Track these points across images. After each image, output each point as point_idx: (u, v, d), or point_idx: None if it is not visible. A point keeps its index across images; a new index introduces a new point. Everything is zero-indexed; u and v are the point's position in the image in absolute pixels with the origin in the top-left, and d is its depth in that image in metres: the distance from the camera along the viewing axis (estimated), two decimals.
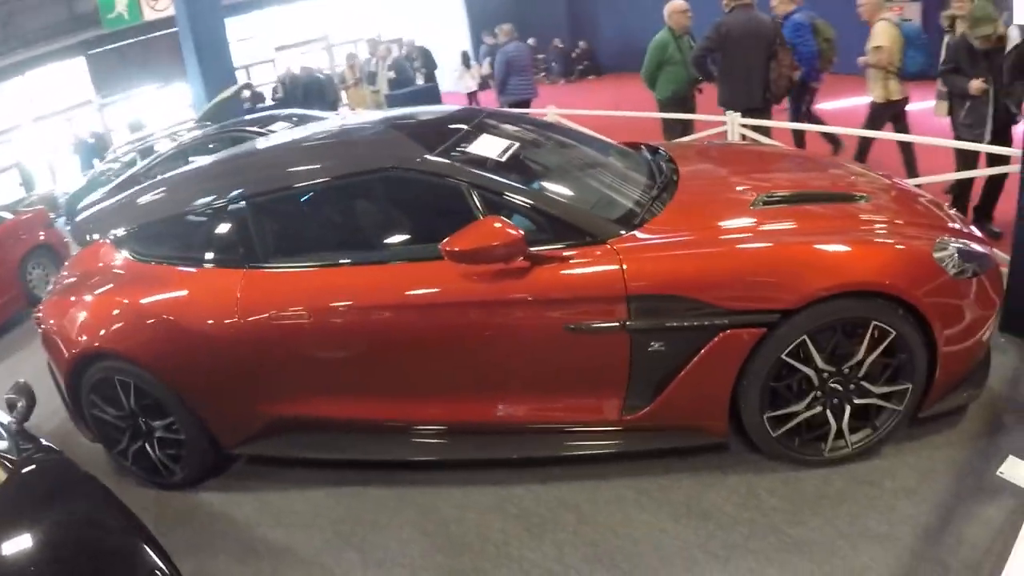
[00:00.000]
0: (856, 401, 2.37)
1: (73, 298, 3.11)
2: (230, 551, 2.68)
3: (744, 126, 4.86)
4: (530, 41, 10.21)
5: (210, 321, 2.73)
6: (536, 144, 3.10)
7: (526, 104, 8.38)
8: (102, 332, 2.92)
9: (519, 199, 2.47)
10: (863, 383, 2.34)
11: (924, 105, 6.08)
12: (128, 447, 3.11)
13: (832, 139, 5.95)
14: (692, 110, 5.88)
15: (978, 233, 2.61)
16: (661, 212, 2.54)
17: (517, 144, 2.84)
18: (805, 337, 2.24)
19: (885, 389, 2.36)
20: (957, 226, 2.55)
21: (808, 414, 2.37)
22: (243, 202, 2.78)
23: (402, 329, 2.53)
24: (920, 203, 2.73)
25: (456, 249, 2.29)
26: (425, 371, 2.60)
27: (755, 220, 2.44)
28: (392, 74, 9.54)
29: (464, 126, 2.89)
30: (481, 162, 2.61)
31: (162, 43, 16.71)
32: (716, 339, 2.25)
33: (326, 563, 2.50)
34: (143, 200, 3.27)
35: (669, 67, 5.64)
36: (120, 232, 3.14)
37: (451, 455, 2.68)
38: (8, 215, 6.73)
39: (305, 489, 2.91)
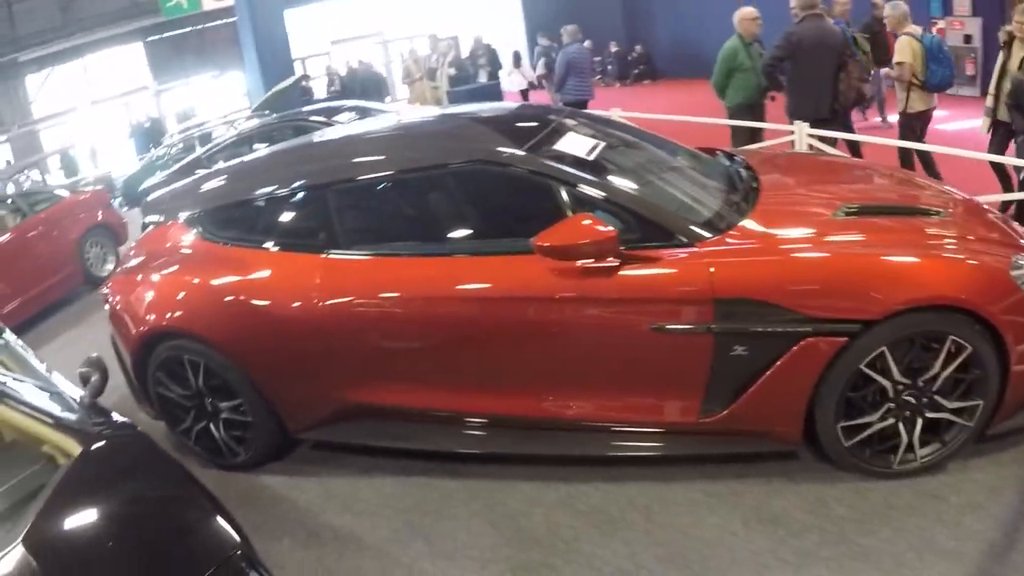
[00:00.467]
0: (928, 415, 2.34)
1: (143, 276, 3.17)
2: (294, 535, 2.70)
3: (812, 136, 4.79)
4: (587, 43, 10.18)
5: (287, 304, 2.75)
6: (616, 145, 3.08)
7: (583, 105, 8.40)
8: (173, 311, 2.98)
9: (610, 198, 2.48)
10: (936, 397, 2.32)
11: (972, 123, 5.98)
12: (192, 426, 3.16)
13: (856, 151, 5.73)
14: (761, 118, 5.80)
15: None
16: (746, 217, 2.54)
17: (602, 144, 2.84)
18: (885, 348, 2.24)
19: (957, 404, 2.33)
20: None
21: (881, 426, 2.36)
22: (327, 188, 2.80)
23: (485, 321, 2.54)
24: (992, 220, 2.72)
25: (549, 245, 2.32)
26: (504, 364, 2.61)
27: (839, 230, 2.46)
28: (453, 71, 9.63)
29: (548, 123, 2.89)
30: (570, 159, 2.62)
31: (219, 33, 17.14)
32: (798, 346, 2.24)
33: (393, 552, 2.49)
34: (216, 183, 3.32)
35: (739, 74, 5.58)
36: (192, 213, 3.18)
37: (526, 450, 2.69)
38: (67, 194, 6.93)
39: (372, 477, 2.92)
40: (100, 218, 6.90)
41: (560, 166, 2.55)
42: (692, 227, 2.42)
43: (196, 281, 2.98)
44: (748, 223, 2.50)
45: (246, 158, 3.63)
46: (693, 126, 5.95)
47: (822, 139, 4.84)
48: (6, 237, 6.03)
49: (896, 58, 5.22)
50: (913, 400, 2.31)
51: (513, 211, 2.73)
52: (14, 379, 2.57)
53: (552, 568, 2.28)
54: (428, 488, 2.78)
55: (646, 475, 2.59)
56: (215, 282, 2.93)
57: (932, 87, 5.20)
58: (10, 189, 8.42)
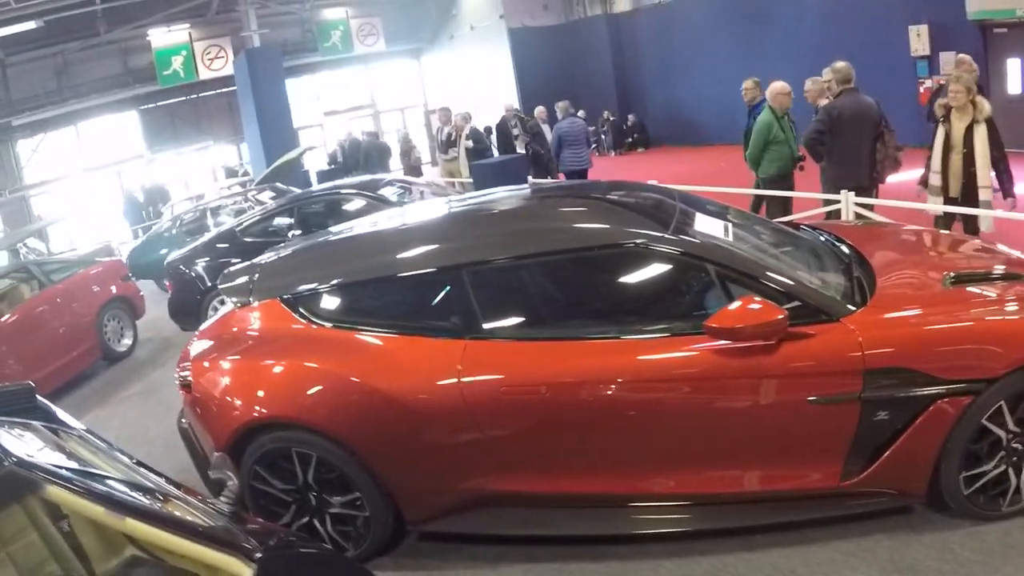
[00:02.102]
0: None
1: (234, 361, 2.98)
2: None
3: (857, 204, 4.94)
4: (580, 114, 10.47)
5: (422, 393, 2.62)
6: (735, 225, 3.12)
7: (583, 174, 8.67)
8: (280, 399, 2.80)
9: (761, 280, 2.54)
10: None
11: None
12: (291, 522, 2.93)
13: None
14: (792, 188, 5.97)
15: None
16: (876, 291, 2.67)
17: (729, 225, 2.92)
18: (1003, 402, 2.39)
19: None
20: None
21: (995, 472, 2.48)
22: (462, 270, 2.72)
23: (636, 402, 2.53)
24: None
25: (723, 326, 2.38)
26: (654, 444, 2.58)
27: (955, 297, 2.62)
28: (471, 143, 9.64)
29: (674, 204, 2.96)
30: (713, 240, 2.68)
31: (213, 102, 17.24)
32: (933, 406, 2.38)
33: None
34: (316, 262, 3.20)
35: (774, 147, 5.79)
36: (292, 294, 3.03)
37: (669, 527, 2.65)
38: (81, 268, 6.62)
39: (498, 568, 2.74)
40: (117, 290, 6.62)
41: (717, 246, 2.64)
42: (837, 302, 2.54)
43: (307, 367, 2.82)
44: (878, 296, 2.63)
45: (338, 235, 3.51)
46: (723, 195, 6.13)
47: (865, 207, 5.01)
48: (22, 308, 5.73)
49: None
50: (1021, 447, 2.47)
51: (668, 293, 2.75)
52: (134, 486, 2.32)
53: None
54: (564, 574, 2.62)
55: (781, 541, 2.61)
56: (334, 369, 2.78)
57: None
58: (3, 259, 8.07)
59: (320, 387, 2.77)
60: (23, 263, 6.58)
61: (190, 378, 3.06)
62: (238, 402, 2.87)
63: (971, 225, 4.67)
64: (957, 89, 4.42)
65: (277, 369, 2.88)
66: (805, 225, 3.61)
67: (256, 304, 3.11)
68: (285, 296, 3.03)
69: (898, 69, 10.36)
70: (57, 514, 2.01)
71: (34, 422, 2.45)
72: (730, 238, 2.82)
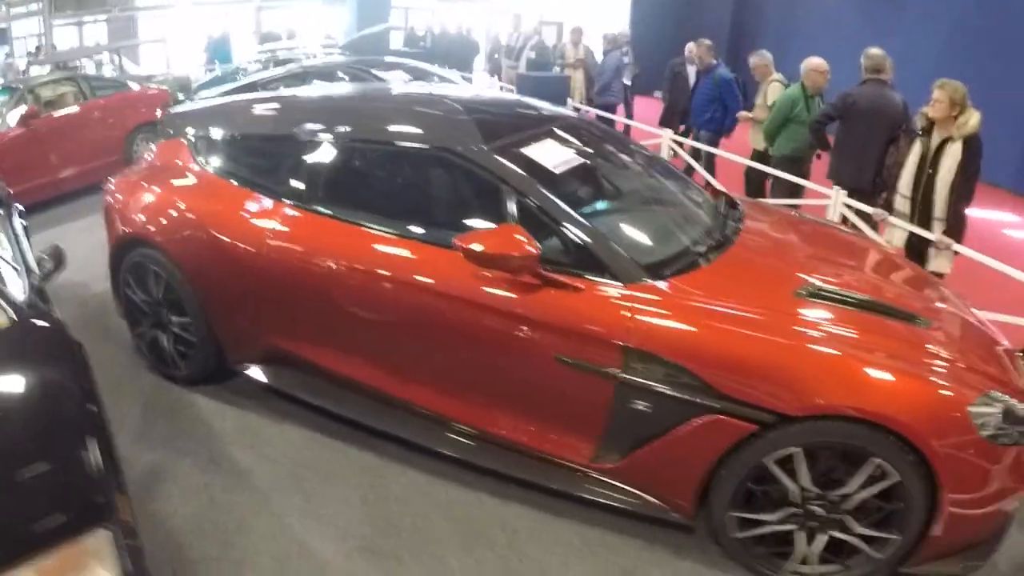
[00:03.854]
0: (834, 534, 2.16)
1: (139, 184, 3.34)
2: (196, 456, 2.83)
3: (847, 206, 4.55)
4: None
5: (244, 242, 2.85)
6: (605, 166, 3.01)
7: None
8: (151, 222, 3.14)
9: (553, 216, 2.40)
10: (847, 518, 2.14)
11: None
12: (146, 332, 3.33)
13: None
14: (806, 174, 5.59)
15: None
16: (697, 271, 2.40)
17: (581, 160, 2.77)
18: (798, 450, 2.07)
19: (870, 532, 2.14)
20: (1021, 385, 2.23)
21: (779, 528, 2.19)
22: (303, 141, 2.88)
23: (403, 305, 2.56)
24: (989, 349, 2.43)
25: (469, 247, 2.27)
26: (415, 352, 2.62)
27: (788, 310, 2.26)
28: (533, 54, 9.60)
29: (533, 126, 2.86)
30: (530, 166, 2.55)
31: None
32: (702, 419, 2.12)
33: (272, 499, 2.58)
34: (222, 112, 3.43)
35: (793, 125, 5.37)
36: (194, 135, 3.31)
37: (421, 440, 2.68)
38: (136, 87, 7.28)
39: (285, 424, 3.03)
40: (157, 115, 7.25)
41: (513, 169, 2.47)
42: (629, 266, 2.30)
43: (176, 201, 3.12)
44: (696, 277, 2.37)
45: (260, 94, 3.72)
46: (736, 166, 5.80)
47: (858, 213, 4.60)
48: (62, 113, 6.39)
49: (768, 100, 5.73)
50: (822, 512, 2.13)
51: (458, 205, 2.70)
52: None
53: (397, 560, 2.31)
54: (329, 450, 2.85)
55: (533, 502, 2.54)
56: (191, 206, 3.06)
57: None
58: (90, 69, 8.90)
59: (178, 219, 3.07)
60: (73, 74, 7.24)
61: (107, 189, 3.48)
62: (126, 217, 3.25)
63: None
64: (939, 98, 3.68)
65: (158, 197, 3.21)
66: (730, 196, 3.28)
67: (175, 139, 3.44)
68: (189, 137, 3.34)
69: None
70: None
71: None
72: (565, 174, 2.62)
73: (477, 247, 2.24)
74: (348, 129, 2.84)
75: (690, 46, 7.11)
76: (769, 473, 2.11)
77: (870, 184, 4.84)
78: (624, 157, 3.17)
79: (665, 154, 6.59)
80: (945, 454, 1.99)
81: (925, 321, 2.36)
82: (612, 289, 2.26)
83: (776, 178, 5.52)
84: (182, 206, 3.07)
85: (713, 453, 2.14)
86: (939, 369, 2.12)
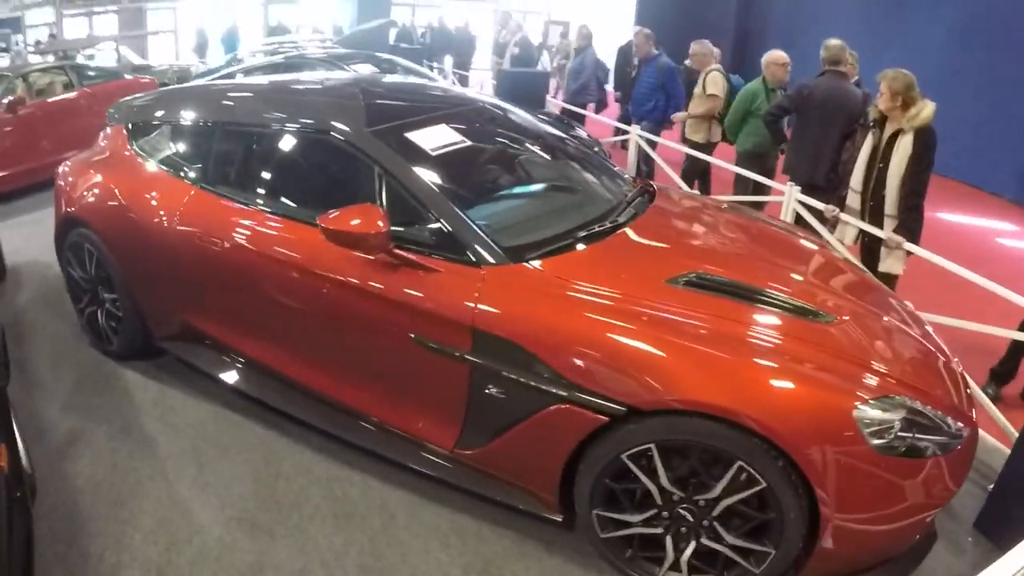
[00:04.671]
0: (704, 541, 2.05)
1: (83, 167, 3.48)
2: (111, 424, 2.96)
3: (801, 203, 4.46)
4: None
5: (157, 223, 2.97)
6: (506, 150, 3.01)
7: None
8: (85, 203, 3.28)
9: (418, 198, 2.37)
10: (716, 525, 2.02)
11: None
12: (85, 307, 3.49)
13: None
14: (771, 170, 5.54)
15: (969, 411, 2.12)
16: (567, 254, 2.31)
17: (473, 144, 2.76)
18: (652, 446, 1.97)
19: (741, 543, 2.01)
20: (941, 394, 2.07)
21: (645, 531, 2.10)
22: (210, 126, 2.99)
23: (283, 284, 2.60)
24: (920, 358, 2.23)
25: (326, 226, 2.26)
26: (296, 330, 2.68)
27: (651, 298, 2.11)
28: (517, 50, 9.66)
29: (434, 112, 2.88)
30: (410, 150, 2.53)
31: None
32: (554, 409, 2.05)
33: (168, 468, 2.69)
34: (156, 100, 3.55)
35: (753, 120, 5.32)
36: (129, 122, 3.44)
37: (305, 417, 2.71)
38: (128, 76, 7.46)
39: (200, 399, 3.13)
40: None
41: (386, 150, 2.46)
42: (487, 247, 2.24)
43: (106, 183, 3.25)
44: (562, 260, 2.27)
45: (195, 83, 3.84)
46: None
47: (812, 210, 4.53)
48: (53, 101, 6.55)
49: (708, 90, 5.88)
50: (690, 517, 2.03)
51: (335, 185, 2.73)
52: None
53: (270, 535, 2.38)
54: (233, 426, 2.95)
55: (418, 488, 2.56)
56: (118, 188, 3.19)
57: None
58: (80, 59, 9.13)
59: (105, 200, 3.21)
60: (62, 64, 7.46)
61: (58, 173, 3.64)
62: (68, 198, 3.41)
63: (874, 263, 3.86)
64: (881, 89, 3.54)
65: (92, 179, 3.35)
66: (646, 182, 3.23)
67: (114, 125, 3.58)
68: (128, 123, 3.48)
69: None
70: None
71: None
72: (445, 156, 2.59)
73: (331, 225, 2.24)
74: (249, 115, 2.92)
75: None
76: (629, 471, 2.02)
77: (825, 180, 4.75)
78: (533, 142, 3.16)
79: (633, 152, 6.60)
80: (821, 462, 1.83)
81: (828, 317, 2.20)
82: (466, 270, 2.22)
83: (737, 174, 5.50)
84: (111, 188, 3.20)
85: (567, 445, 2.06)
86: (823, 368, 1.95)
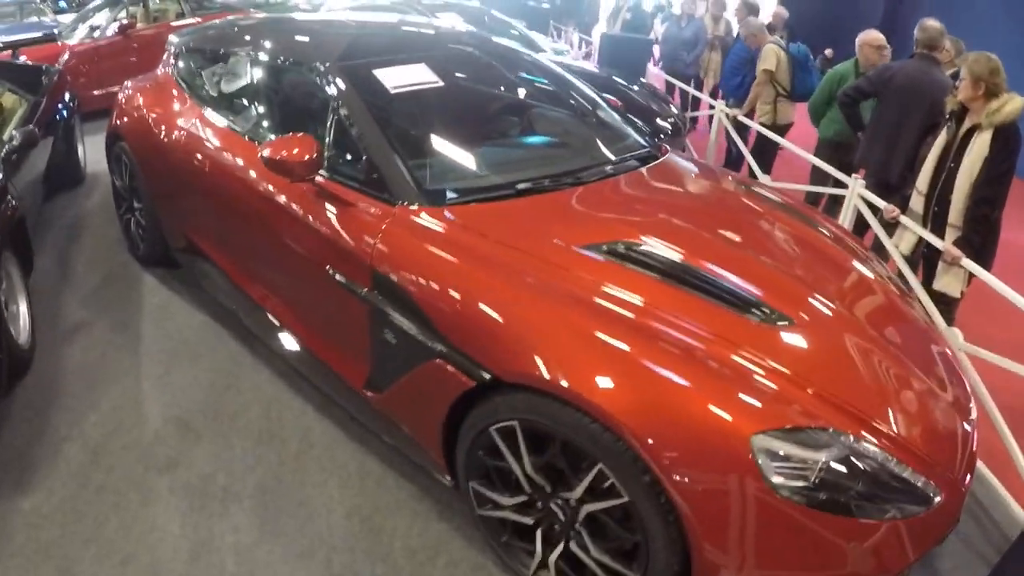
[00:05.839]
0: (572, 547, 1.83)
1: (137, 86, 3.79)
2: (113, 320, 3.28)
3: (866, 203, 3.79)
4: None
5: (170, 140, 3.19)
6: (489, 93, 2.93)
7: None
8: (124, 119, 3.60)
9: (358, 132, 2.32)
10: (583, 532, 1.79)
11: None
12: (123, 214, 3.85)
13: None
14: (852, 163, 4.99)
15: (961, 473, 1.69)
16: (489, 204, 2.16)
17: (441, 84, 2.64)
18: (516, 425, 1.78)
19: (606, 559, 1.76)
20: (918, 442, 1.65)
21: (517, 518, 1.91)
22: (225, 56, 3.15)
23: (242, 204, 2.70)
24: (896, 386, 1.78)
25: (260, 152, 2.30)
26: (253, 249, 2.78)
27: (555, 262, 1.90)
28: (629, 16, 9.30)
29: (419, 51, 2.83)
30: (367, 86, 2.48)
31: None
32: (431, 363, 1.92)
33: (143, 364, 2.94)
34: (204, 29, 3.73)
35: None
36: (176, 47, 3.68)
37: (257, 332, 2.85)
38: (249, 10, 7.91)
39: (195, 310, 3.38)
40: None
41: (339, 84, 2.43)
42: (406, 188, 2.15)
43: (145, 103, 3.52)
44: (478, 210, 2.12)
45: (251, 18, 4.02)
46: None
47: (874, 209, 3.90)
48: (151, 28, 7.07)
49: (761, 65, 5.40)
50: (561, 515, 1.82)
51: (297, 115, 2.78)
52: None
53: (198, 438, 2.53)
54: (212, 336, 3.16)
55: (344, 424, 2.58)
56: (150, 107, 3.45)
57: (799, 96, 5.40)
58: None
59: (138, 117, 3.51)
60: None
61: (121, 88, 3.99)
62: (115, 114, 3.78)
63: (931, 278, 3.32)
64: (962, 74, 3.07)
65: (136, 99, 3.65)
66: (673, 150, 2.96)
67: (168, 52, 3.83)
68: (175, 50, 3.71)
69: None
70: None
71: None
72: (411, 94, 2.53)
73: (264, 152, 2.26)
74: (253, 46, 3.02)
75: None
76: (498, 448, 1.85)
77: (899, 177, 4.16)
78: (527, 90, 3.05)
79: (715, 130, 6.17)
80: (695, 490, 1.51)
81: (780, 319, 1.82)
82: (376, 208, 2.15)
83: (815, 165, 5.00)
84: (145, 107, 3.48)
85: (444, 405, 1.92)
86: (734, 376, 1.60)
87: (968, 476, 1.73)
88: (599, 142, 2.83)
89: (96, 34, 6.74)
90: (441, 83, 2.64)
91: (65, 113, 4.69)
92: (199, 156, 2.97)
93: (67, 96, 4.87)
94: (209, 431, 2.59)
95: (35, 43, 6.17)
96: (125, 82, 4.00)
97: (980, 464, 2.58)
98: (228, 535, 2.14)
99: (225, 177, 2.80)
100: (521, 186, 2.28)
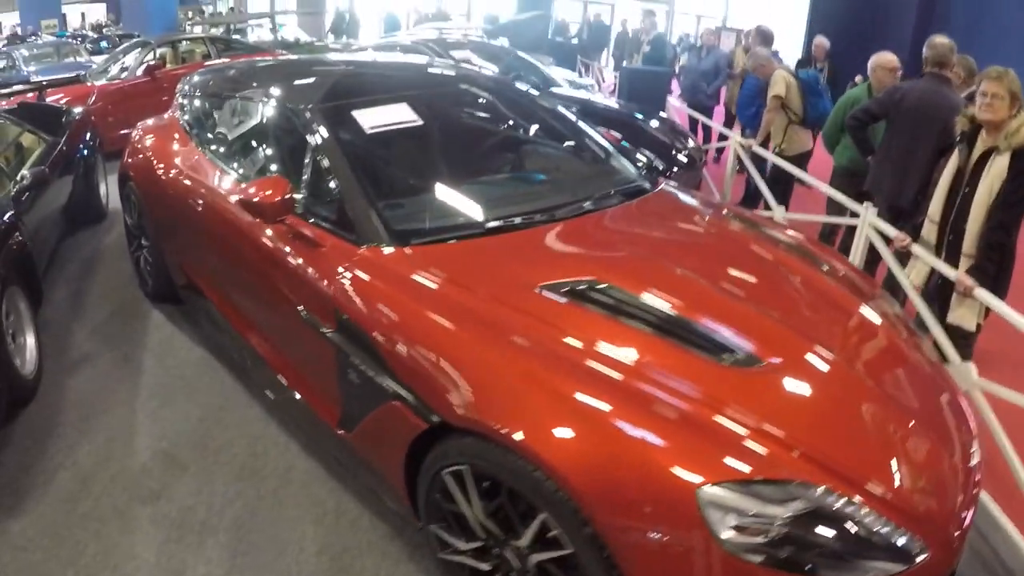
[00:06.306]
0: None
1: (146, 128, 3.95)
2: (116, 354, 3.39)
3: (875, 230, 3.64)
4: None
5: (170, 178, 3.32)
6: (472, 131, 2.95)
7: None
8: (134, 160, 3.75)
9: (332, 172, 2.36)
10: None
11: None
12: (134, 251, 3.99)
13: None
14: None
15: (954, 527, 1.59)
16: (455, 244, 2.17)
17: (421, 124, 2.67)
18: (466, 469, 1.74)
19: None
20: (905, 494, 1.55)
21: (474, 563, 1.85)
22: (221, 96, 3.27)
23: (228, 245, 2.77)
24: (884, 432, 1.69)
25: (239, 196, 2.36)
26: (236, 285, 2.84)
27: (511, 304, 1.87)
28: (648, 48, 9.36)
29: (400, 91, 2.85)
30: (345, 127, 2.53)
31: None
32: (388, 405, 1.92)
33: (140, 397, 3.03)
34: (208, 72, 3.88)
35: None
36: (183, 90, 3.84)
37: (246, 368, 2.89)
38: (253, 53, 8.18)
39: (195, 345, 3.45)
40: None
41: (316, 127, 2.47)
42: (372, 229, 2.17)
43: (151, 144, 3.68)
44: (443, 250, 2.13)
45: (261, 60, 4.16)
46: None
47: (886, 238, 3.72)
48: (177, 69, 7.29)
49: (771, 92, 5.35)
50: (513, 562, 1.75)
51: (281, 157, 2.84)
52: None
53: (183, 471, 2.57)
54: (207, 372, 3.22)
55: (326, 461, 2.59)
56: (155, 148, 3.60)
57: (812, 122, 5.34)
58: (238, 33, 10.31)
59: (143, 157, 3.66)
60: (203, 36, 8.39)
61: (135, 130, 4.16)
62: (127, 153, 3.92)
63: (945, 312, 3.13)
64: (996, 92, 2.83)
65: (144, 140, 3.81)
66: (669, 182, 2.91)
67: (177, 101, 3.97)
68: (182, 91, 3.85)
69: None
70: None
71: None
72: (386, 134, 2.56)
73: (239, 194, 2.33)
74: (247, 88, 3.14)
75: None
76: (449, 491, 1.81)
77: (911, 203, 3.97)
78: (513, 126, 3.08)
79: (731, 161, 6.11)
80: (635, 543, 1.45)
81: (748, 361, 1.74)
82: (346, 248, 2.18)
83: (830, 195, 4.87)
84: (150, 148, 3.63)
85: (402, 446, 1.89)
86: (684, 423, 1.54)
87: (961, 529, 1.62)
88: (582, 177, 2.83)
89: (124, 75, 7.05)
90: (421, 122, 2.67)
91: (86, 152, 4.91)
92: (193, 196, 3.08)
93: (88, 136, 5.09)
94: (194, 464, 2.62)
95: (60, 85, 6.47)
96: (138, 124, 4.17)
97: (991, 504, 2.44)
98: (201, 567, 2.16)
99: (215, 216, 2.89)
100: (491, 224, 2.28)
